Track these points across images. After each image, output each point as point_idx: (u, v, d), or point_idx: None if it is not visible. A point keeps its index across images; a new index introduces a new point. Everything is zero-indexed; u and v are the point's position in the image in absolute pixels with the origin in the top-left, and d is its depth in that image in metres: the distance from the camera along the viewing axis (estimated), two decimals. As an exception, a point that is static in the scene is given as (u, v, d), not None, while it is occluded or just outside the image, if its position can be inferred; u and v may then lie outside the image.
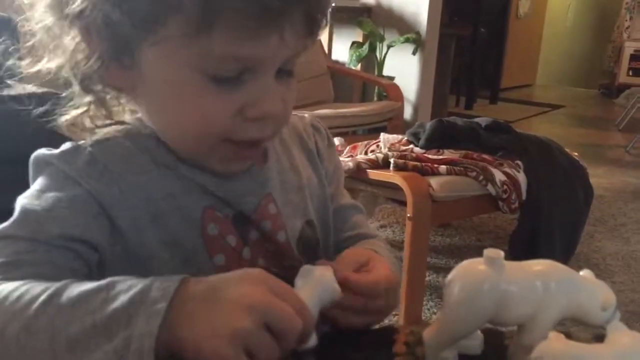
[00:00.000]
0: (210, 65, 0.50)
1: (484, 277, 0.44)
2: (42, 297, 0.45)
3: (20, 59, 0.58)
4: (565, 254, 2.13)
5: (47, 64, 0.56)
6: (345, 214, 0.72)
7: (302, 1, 0.50)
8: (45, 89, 2.01)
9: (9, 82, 2.13)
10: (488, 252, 0.45)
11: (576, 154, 2.26)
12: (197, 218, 0.58)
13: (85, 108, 0.58)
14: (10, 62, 0.58)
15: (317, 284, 0.50)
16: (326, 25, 0.54)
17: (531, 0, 7.01)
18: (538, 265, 0.47)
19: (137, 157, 0.57)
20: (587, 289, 0.47)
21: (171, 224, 0.56)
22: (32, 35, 0.56)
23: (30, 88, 2.06)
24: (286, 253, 0.63)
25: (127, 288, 0.45)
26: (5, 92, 2.02)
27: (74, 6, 0.50)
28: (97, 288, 0.45)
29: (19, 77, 0.59)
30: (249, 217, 0.60)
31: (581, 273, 0.48)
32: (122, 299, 0.44)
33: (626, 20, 7.09)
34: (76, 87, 0.56)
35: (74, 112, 0.58)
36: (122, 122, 0.60)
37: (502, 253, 0.44)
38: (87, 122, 0.59)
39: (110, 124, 0.59)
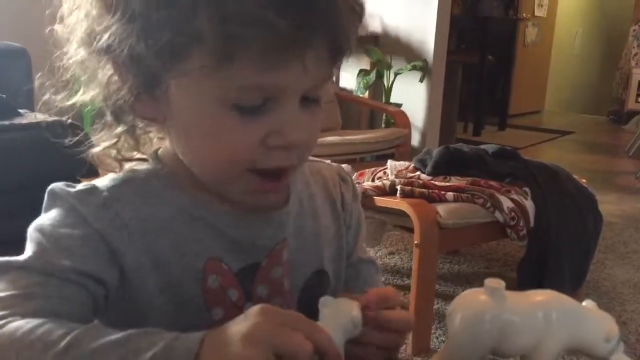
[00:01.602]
0: (233, 96, 0.50)
1: (485, 307, 0.44)
2: (60, 346, 0.45)
3: (55, 93, 0.59)
4: (575, 281, 2.11)
5: (82, 97, 0.58)
6: (361, 267, 0.71)
7: (327, 32, 0.50)
8: (55, 118, 2.03)
9: (20, 111, 2.16)
10: (489, 282, 0.44)
11: (584, 180, 2.25)
12: (199, 269, 0.57)
13: (114, 140, 0.60)
14: (45, 96, 0.59)
15: (340, 315, 0.50)
16: (350, 54, 0.54)
17: (538, 28, 7.05)
18: (540, 295, 0.47)
19: (150, 203, 0.57)
20: (589, 319, 0.46)
21: (173, 272, 0.56)
22: (66, 69, 0.57)
23: (41, 116, 2.09)
24: (289, 305, 0.62)
25: (148, 345, 0.44)
26: (17, 121, 2.05)
27: (102, 41, 0.52)
28: (115, 342, 0.45)
29: (55, 110, 0.60)
30: (259, 264, 0.60)
31: (584, 304, 0.48)
32: (145, 356, 0.44)
33: (634, 47, 7.10)
34: (108, 118, 0.58)
35: (104, 144, 0.60)
36: (144, 160, 0.61)
37: (503, 283, 0.44)
38: (114, 153, 0.60)
39: (136, 159, 0.61)
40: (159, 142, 0.61)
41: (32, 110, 2.21)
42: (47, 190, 0.57)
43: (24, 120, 2.06)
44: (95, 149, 0.60)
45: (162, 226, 0.57)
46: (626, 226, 3.15)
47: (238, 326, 0.45)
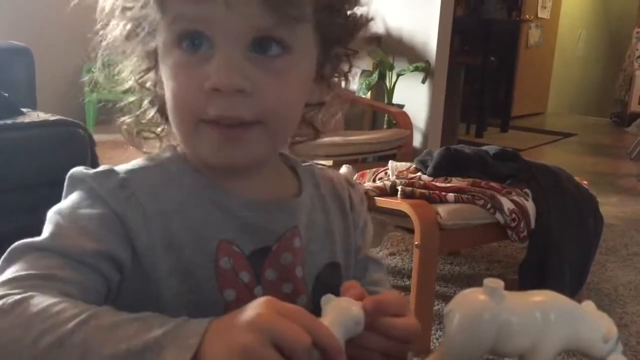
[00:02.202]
0: (173, 33, 0.55)
1: (484, 307, 0.44)
2: (81, 317, 0.46)
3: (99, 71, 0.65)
4: (576, 283, 2.11)
5: (121, 74, 0.63)
6: (368, 265, 0.72)
7: None
8: (57, 117, 2.04)
9: (23, 110, 2.16)
10: (488, 281, 0.45)
11: (585, 182, 2.25)
12: (212, 251, 0.58)
13: (135, 115, 0.65)
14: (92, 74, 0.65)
15: (341, 313, 0.50)
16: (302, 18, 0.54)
17: (541, 30, 7.05)
18: (538, 295, 0.47)
19: (166, 188, 0.59)
20: (588, 320, 0.47)
21: (186, 253, 0.58)
22: (105, 48, 0.62)
23: (44, 115, 2.09)
24: (300, 293, 0.62)
25: (160, 323, 0.46)
26: (20, 119, 2.05)
27: (132, 10, 0.57)
28: (133, 318, 0.47)
29: (98, 86, 0.66)
30: (270, 248, 0.61)
31: (582, 304, 0.48)
32: (157, 332, 0.45)
33: (637, 50, 7.10)
34: (136, 94, 0.63)
35: (127, 118, 0.65)
36: (161, 138, 0.65)
37: (502, 283, 0.44)
38: (135, 130, 0.65)
39: (156, 136, 0.65)
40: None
41: (35, 109, 2.22)
42: (66, 177, 0.59)
43: (26, 119, 2.07)
44: (123, 118, 0.65)
45: (177, 209, 0.58)
46: (627, 228, 3.14)
47: (243, 315, 0.46)
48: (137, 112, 0.65)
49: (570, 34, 7.83)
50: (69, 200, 0.57)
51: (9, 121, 2.01)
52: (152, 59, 0.60)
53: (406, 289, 2.17)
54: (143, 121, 0.65)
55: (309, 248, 0.63)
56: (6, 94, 2.11)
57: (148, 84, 0.63)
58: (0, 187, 1.85)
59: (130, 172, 0.59)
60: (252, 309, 0.46)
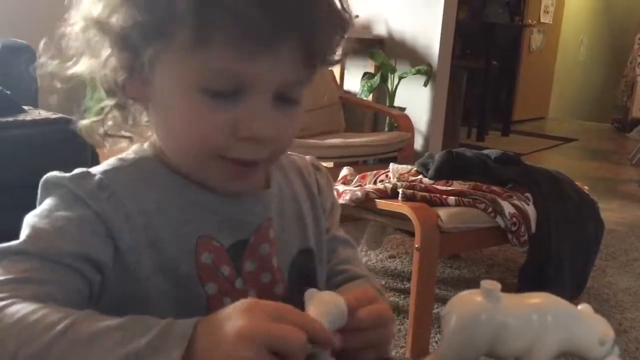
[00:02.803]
0: (206, 79, 0.53)
1: (481, 308, 0.44)
2: (59, 327, 0.45)
3: (52, 58, 0.61)
4: (576, 288, 2.11)
5: (77, 67, 0.60)
6: (336, 245, 0.73)
7: (295, 29, 0.52)
8: (59, 115, 2.04)
9: (25, 107, 2.17)
10: (485, 283, 0.45)
11: (587, 187, 2.25)
12: (192, 247, 0.59)
13: (101, 116, 0.62)
14: (42, 59, 0.60)
15: (327, 306, 0.50)
16: (335, 61, 0.57)
17: (544, 35, 7.05)
18: (535, 297, 0.47)
19: (143, 186, 0.59)
20: (584, 322, 0.47)
21: (168, 250, 0.58)
22: (68, 37, 0.59)
23: (45, 113, 2.09)
24: (278, 281, 0.63)
25: (142, 331, 0.45)
26: (21, 117, 2.05)
27: (102, 16, 0.55)
28: (114, 326, 0.46)
29: (49, 77, 0.61)
30: (247, 240, 0.62)
31: (579, 307, 0.48)
32: (138, 343, 0.45)
33: (639, 56, 7.10)
34: (102, 93, 0.60)
35: (93, 118, 0.63)
36: (130, 138, 0.64)
37: (499, 285, 0.44)
38: (101, 130, 0.63)
39: (122, 136, 0.64)
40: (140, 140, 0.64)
41: (36, 106, 2.22)
42: (40, 183, 0.58)
43: (28, 117, 2.07)
44: (84, 121, 0.63)
45: (156, 207, 0.58)
46: (628, 234, 3.14)
47: (230, 321, 0.45)
48: (101, 115, 0.62)
49: (573, 39, 7.83)
50: (45, 204, 0.57)
51: (10, 118, 2.01)
52: (131, 68, 0.58)
53: (406, 292, 2.17)
54: (109, 123, 0.63)
55: (281, 237, 0.64)
56: (8, 92, 2.11)
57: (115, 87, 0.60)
58: (0, 185, 1.85)
59: (106, 173, 0.59)
60: (240, 317, 0.46)
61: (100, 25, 0.56)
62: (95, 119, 0.63)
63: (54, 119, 2.03)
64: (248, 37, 0.51)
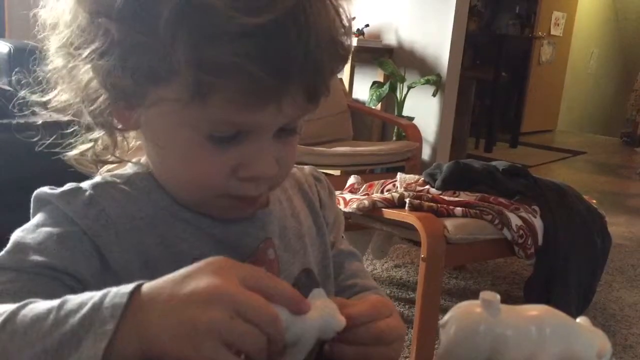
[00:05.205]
0: (206, 127, 0.52)
1: (480, 320, 0.44)
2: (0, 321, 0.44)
3: (35, 84, 0.59)
4: (582, 302, 2.10)
5: (59, 96, 0.58)
6: (342, 259, 0.72)
7: (304, 80, 0.50)
8: (55, 118, 2.06)
9: (23, 109, 2.18)
10: (484, 294, 0.45)
11: (594, 201, 2.24)
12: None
13: (91, 144, 0.61)
14: (21, 93, 0.60)
15: (326, 310, 0.49)
16: (327, 94, 0.54)
17: (553, 47, 7.04)
18: (534, 310, 0.47)
19: (135, 202, 0.57)
20: (582, 335, 0.47)
21: (161, 269, 0.56)
22: (48, 64, 0.57)
23: (56, 116, 2.11)
24: None
25: (77, 307, 0.44)
26: (17, 120, 2.07)
27: (85, 52, 0.52)
28: (48, 310, 0.44)
29: (29, 106, 0.60)
30: (243, 262, 0.60)
31: (578, 320, 0.48)
32: (72, 321, 0.43)
33: (650, 70, 7.07)
34: (87, 120, 0.57)
35: (82, 147, 0.61)
36: (123, 161, 0.62)
37: (498, 296, 0.45)
38: (93, 157, 0.61)
39: (112, 161, 0.61)
40: (133, 153, 0.62)
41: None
42: (32, 197, 0.57)
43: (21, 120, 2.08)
44: (72, 152, 0.61)
45: (148, 223, 0.57)
46: (635, 249, 3.12)
47: (193, 280, 0.43)
48: (92, 144, 0.61)
49: (583, 52, 7.82)
50: (34, 219, 0.56)
51: (21, 121, 2.03)
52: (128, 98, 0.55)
53: (411, 302, 2.17)
54: (98, 149, 0.61)
55: (284, 257, 0.62)
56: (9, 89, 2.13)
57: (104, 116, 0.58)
58: (1, 185, 1.86)
59: (97, 188, 0.57)
60: (208, 276, 0.43)
61: (83, 59, 0.53)
62: (83, 148, 0.61)
63: (52, 122, 2.05)
64: (251, 94, 0.49)
